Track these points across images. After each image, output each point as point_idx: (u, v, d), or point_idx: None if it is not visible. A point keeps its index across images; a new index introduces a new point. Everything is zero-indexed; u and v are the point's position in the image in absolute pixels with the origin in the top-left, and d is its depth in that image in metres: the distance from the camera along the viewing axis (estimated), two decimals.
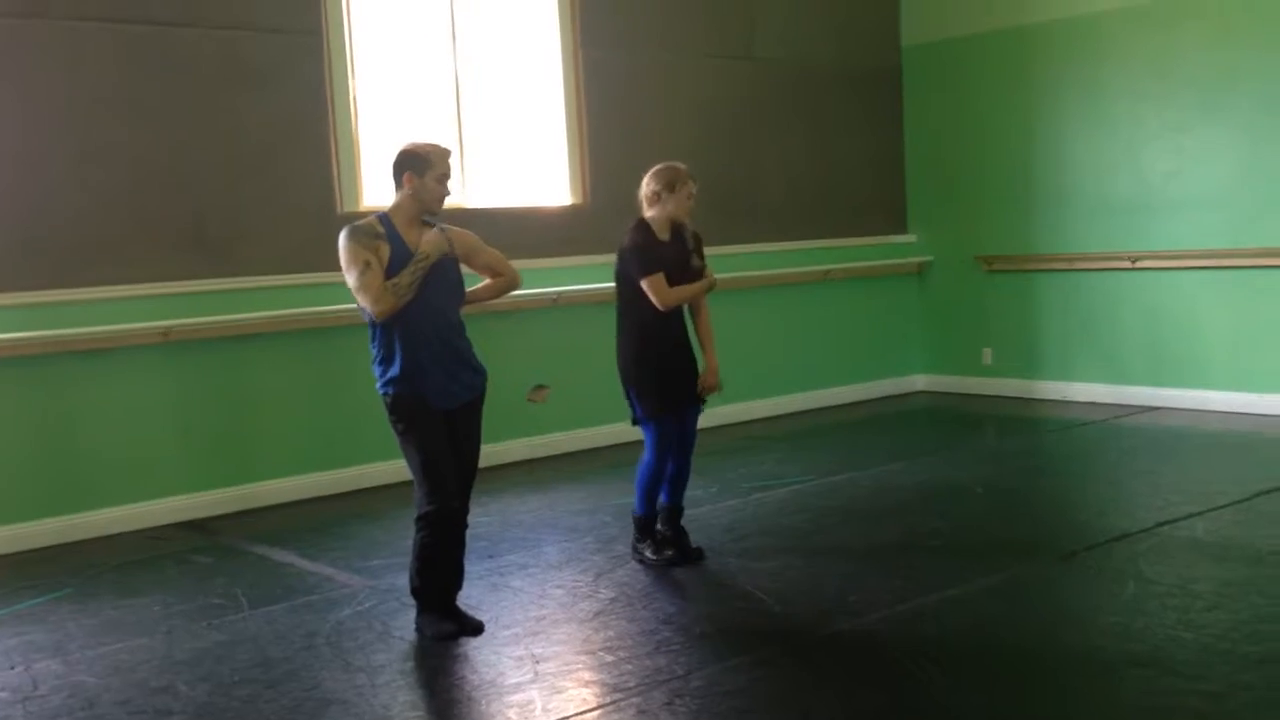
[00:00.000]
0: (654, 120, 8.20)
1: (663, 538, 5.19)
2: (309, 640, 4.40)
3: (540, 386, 7.72)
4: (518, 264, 7.32)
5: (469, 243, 4.49)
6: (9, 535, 5.90)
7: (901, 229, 9.74)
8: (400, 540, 5.67)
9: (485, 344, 7.40)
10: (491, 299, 4.72)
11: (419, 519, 4.31)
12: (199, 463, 6.49)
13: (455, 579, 4.44)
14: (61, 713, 3.82)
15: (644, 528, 5.18)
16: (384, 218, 4.27)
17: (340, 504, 6.68)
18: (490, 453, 7.35)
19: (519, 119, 7.79)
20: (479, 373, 4.47)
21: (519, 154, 7.80)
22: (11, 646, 4.48)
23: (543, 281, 7.62)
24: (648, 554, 5.15)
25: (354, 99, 7.03)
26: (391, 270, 4.15)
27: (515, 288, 4.71)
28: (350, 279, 4.17)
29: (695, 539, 5.26)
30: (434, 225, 4.29)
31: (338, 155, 6.93)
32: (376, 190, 7.09)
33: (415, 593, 4.39)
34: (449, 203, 7.48)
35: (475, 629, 4.35)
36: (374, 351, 4.30)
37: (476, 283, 4.66)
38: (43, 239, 6.03)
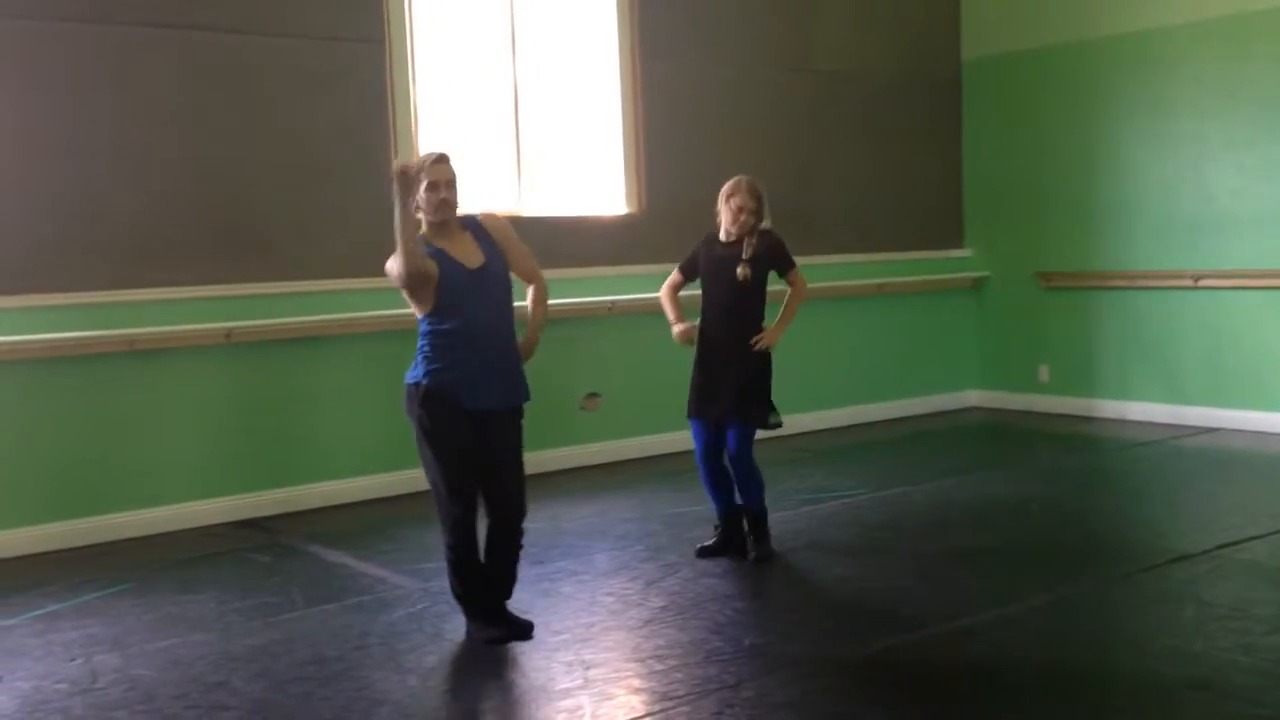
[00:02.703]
0: (711, 130, 8.21)
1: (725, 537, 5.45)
2: (362, 640, 4.44)
3: (593, 394, 7.72)
4: (573, 272, 7.56)
5: (504, 232, 4.43)
6: (72, 530, 6.02)
7: (958, 244, 9.67)
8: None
9: (540, 352, 7.46)
10: (540, 323, 4.57)
11: (444, 529, 4.31)
12: (258, 462, 6.58)
13: (506, 585, 4.47)
14: (120, 705, 3.89)
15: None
16: (420, 239, 4.28)
17: (395, 506, 6.75)
18: (542, 459, 7.43)
19: (577, 127, 7.84)
20: (523, 387, 4.45)
21: (576, 162, 7.85)
22: (72, 639, 4.57)
23: (597, 290, 7.65)
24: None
25: (415, 106, 7.11)
26: (446, 283, 4.19)
27: (547, 299, 4.60)
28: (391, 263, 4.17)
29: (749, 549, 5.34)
30: (470, 219, 4.38)
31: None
32: None
33: (458, 599, 4.45)
34: (503, 211, 7.61)
35: (524, 631, 4.37)
36: (422, 348, 4.30)
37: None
38: (105, 240, 6.16)
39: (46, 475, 6.01)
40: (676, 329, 5.29)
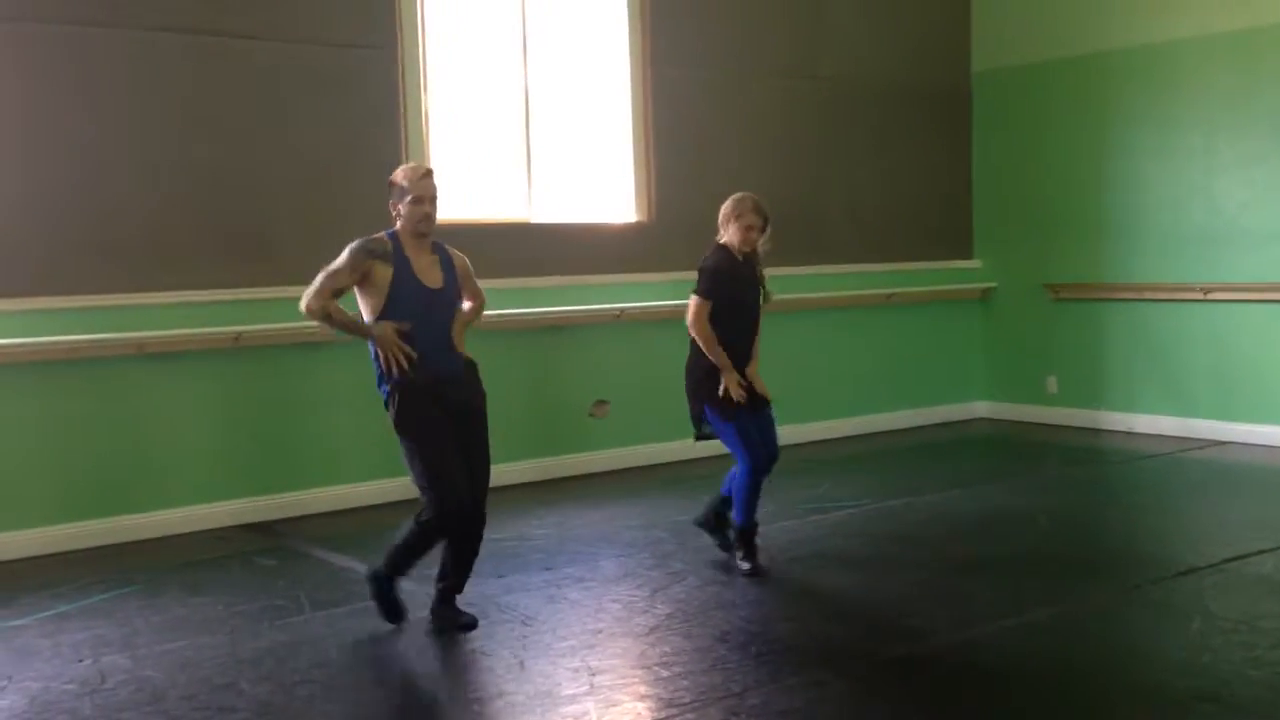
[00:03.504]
0: (720, 139, 8.24)
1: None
2: (368, 643, 4.46)
3: (601, 402, 7.77)
4: (582, 280, 7.58)
5: (464, 269, 4.68)
6: (81, 531, 6.05)
7: (966, 254, 9.67)
8: None
9: (548, 359, 7.55)
10: (467, 323, 4.73)
11: (426, 520, 4.43)
12: (265, 466, 6.60)
13: (463, 575, 4.61)
14: (128, 706, 3.91)
15: (745, 538, 5.29)
16: (393, 235, 4.47)
17: (402, 511, 6.65)
18: (550, 466, 7.47)
19: (587, 135, 7.86)
20: (478, 385, 4.60)
21: (586, 169, 7.87)
22: (81, 640, 4.59)
23: (606, 298, 7.67)
24: (742, 564, 5.25)
25: (425, 112, 7.14)
26: (395, 289, 4.36)
27: (482, 310, 4.83)
28: (321, 273, 4.42)
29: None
30: (441, 246, 4.58)
31: None
32: (445, 203, 7.17)
33: (385, 572, 4.58)
34: (513, 217, 7.64)
35: (473, 623, 4.54)
36: (375, 361, 4.47)
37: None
38: (116, 243, 6.19)
39: (56, 477, 6.04)
40: (736, 380, 5.12)
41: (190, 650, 4.43)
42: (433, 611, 4.61)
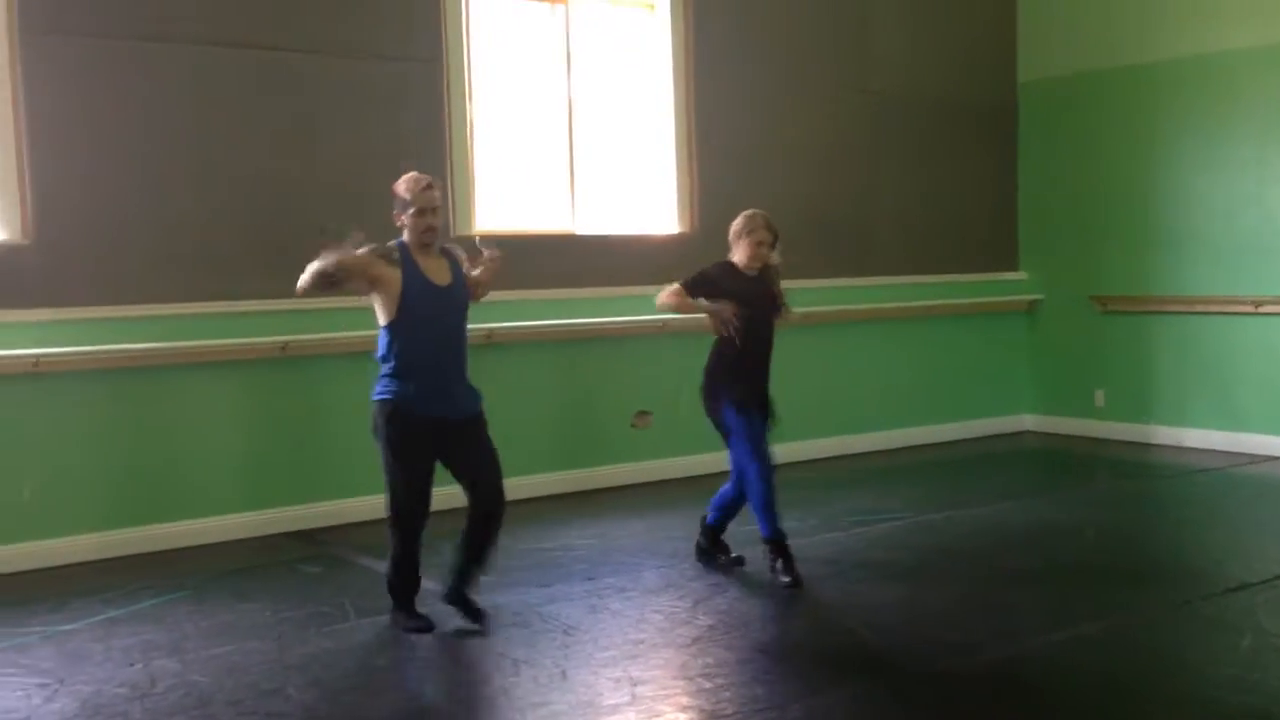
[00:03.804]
0: (764, 150, 8.23)
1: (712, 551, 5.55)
2: (411, 652, 4.50)
3: (644, 412, 7.78)
4: (625, 291, 7.61)
5: (466, 265, 4.84)
6: (132, 537, 6.13)
7: (1012, 266, 9.60)
8: (500, 559, 5.75)
9: (592, 369, 7.57)
10: (486, 281, 4.94)
11: (390, 517, 4.69)
12: (311, 474, 6.66)
13: (475, 575, 4.76)
14: (177, 710, 3.96)
15: (779, 549, 5.27)
16: (401, 244, 4.60)
17: (444, 521, 6.71)
18: (592, 477, 7.49)
19: (631, 147, 7.89)
20: (477, 393, 4.74)
21: (629, 182, 7.90)
22: (131, 645, 4.65)
23: (650, 309, 7.66)
24: (782, 577, 5.23)
25: (470, 124, 7.20)
26: (406, 288, 4.50)
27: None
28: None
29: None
30: (445, 249, 4.72)
31: (452, 180, 7.09)
32: (490, 214, 7.25)
33: (390, 589, 4.78)
34: (557, 229, 7.67)
35: (480, 617, 4.67)
36: (383, 360, 4.58)
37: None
38: (169, 253, 6.28)
39: (107, 483, 6.13)
40: (724, 307, 5.21)
41: (238, 655, 4.48)
42: (446, 596, 4.75)
